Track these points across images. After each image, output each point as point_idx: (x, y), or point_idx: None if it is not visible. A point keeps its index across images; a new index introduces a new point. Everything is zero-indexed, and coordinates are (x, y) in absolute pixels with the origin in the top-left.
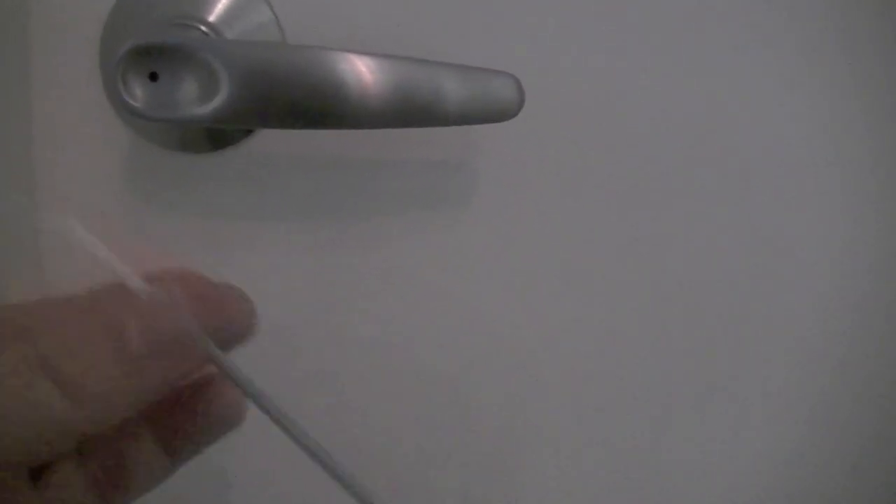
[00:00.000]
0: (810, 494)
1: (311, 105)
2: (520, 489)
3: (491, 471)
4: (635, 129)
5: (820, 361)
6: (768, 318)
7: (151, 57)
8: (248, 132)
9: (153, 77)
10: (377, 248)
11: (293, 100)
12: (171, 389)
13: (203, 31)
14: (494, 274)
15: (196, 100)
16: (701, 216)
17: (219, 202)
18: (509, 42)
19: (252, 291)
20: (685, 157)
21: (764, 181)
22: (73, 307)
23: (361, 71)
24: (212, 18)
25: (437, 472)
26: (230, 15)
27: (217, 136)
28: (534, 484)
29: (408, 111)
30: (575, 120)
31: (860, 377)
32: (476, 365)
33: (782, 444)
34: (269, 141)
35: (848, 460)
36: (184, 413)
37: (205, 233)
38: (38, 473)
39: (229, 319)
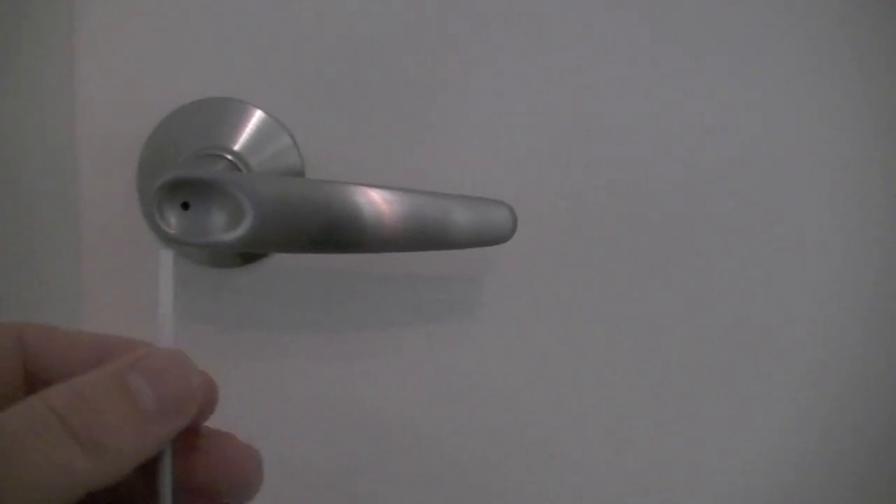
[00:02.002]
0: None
1: (327, 234)
2: None
3: None
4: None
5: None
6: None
7: (184, 189)
8: None
9: (185, 206)
10: (392, 358)
11: (312, 230)
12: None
13: (230, 160)
14: (500, 379)
15: (224, 228)
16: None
17: (245, 313)
18: (505, 168)
19: (275, 398)
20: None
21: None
22: (79, 359)
23: (374, 203)
24: (237, 148)
25: None
26: (254, 144)
27: (244, 253)
28: None
29: (417, 239)
30: (568, 234)
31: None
32: (486, 458)
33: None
34: (293, 256)
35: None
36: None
37: (233, 342)
38: None
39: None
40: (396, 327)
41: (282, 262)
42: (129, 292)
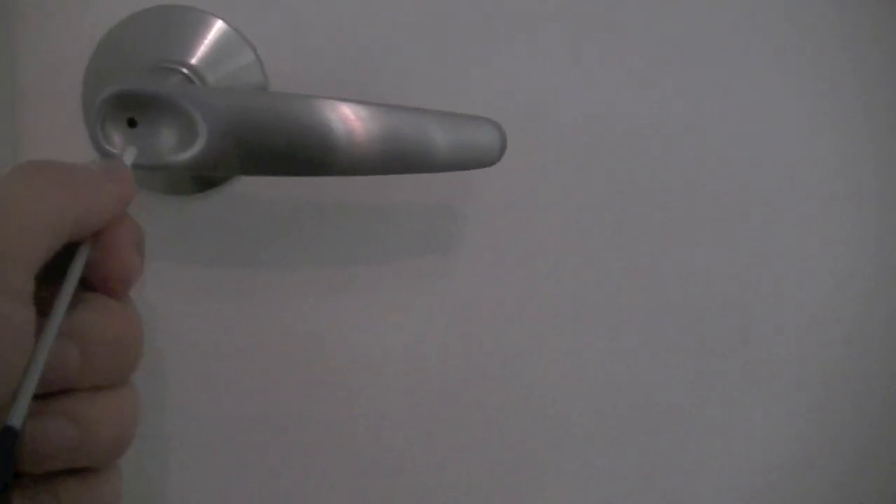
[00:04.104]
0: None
1: (292, 154)
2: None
3: (493, 474)
4: (626, 147)
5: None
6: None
7: (130, 104)
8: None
9: (132, 123)
10: (365, 293)
11: (274, 149)
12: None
13: (185, 74)
14: (481, 316)
15: (174, 147)
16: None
17: (203, 245)
18: (494, 85)
19: (237, 338)
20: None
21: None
22: None
23: (344, 119)
24: (194, 61)
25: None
26: (212, 58)
27: (201, 178)
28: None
29: (393, 160)
30: (560, 159)
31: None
32: (463, 395)
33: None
34: (255, 183)
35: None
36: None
37: (189, 277)
38: None
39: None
40: (369, 260)
41: (243, 189)
42: None
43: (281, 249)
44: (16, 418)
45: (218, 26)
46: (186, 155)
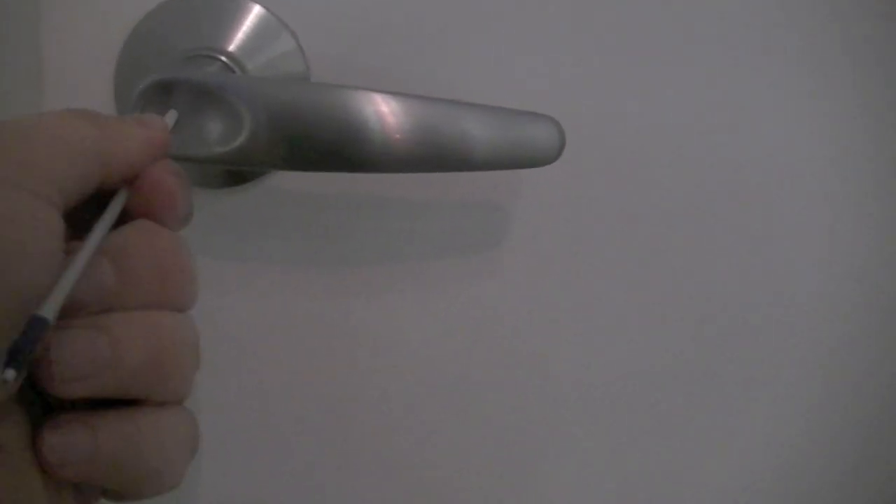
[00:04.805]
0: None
1: (340, 147)
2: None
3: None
4: (667, 164)
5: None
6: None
7: (171, 93)
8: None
9: None
10: (404, 294)
11: (320, 142)
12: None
13: (224, 63)
14: (527, 318)
15: (217, 139)
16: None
17: (231, 241)
18: (549, 83)
19: (267, 338)
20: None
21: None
22: None
23: (394, 114)
24: (232, 49)
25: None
26: (251, 45)
27: (234, 172)
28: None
29: (435, 155)
30: (615, 160)
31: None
32: (503, 401)
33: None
34: (291, 177)
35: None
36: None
37: (217, 274)
38: None
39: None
40: (409, 258)
41: (275, 183)
42: None
43: (314, 246)
44: (47, 310)
45: (256, 11)
46: (228, 148)
